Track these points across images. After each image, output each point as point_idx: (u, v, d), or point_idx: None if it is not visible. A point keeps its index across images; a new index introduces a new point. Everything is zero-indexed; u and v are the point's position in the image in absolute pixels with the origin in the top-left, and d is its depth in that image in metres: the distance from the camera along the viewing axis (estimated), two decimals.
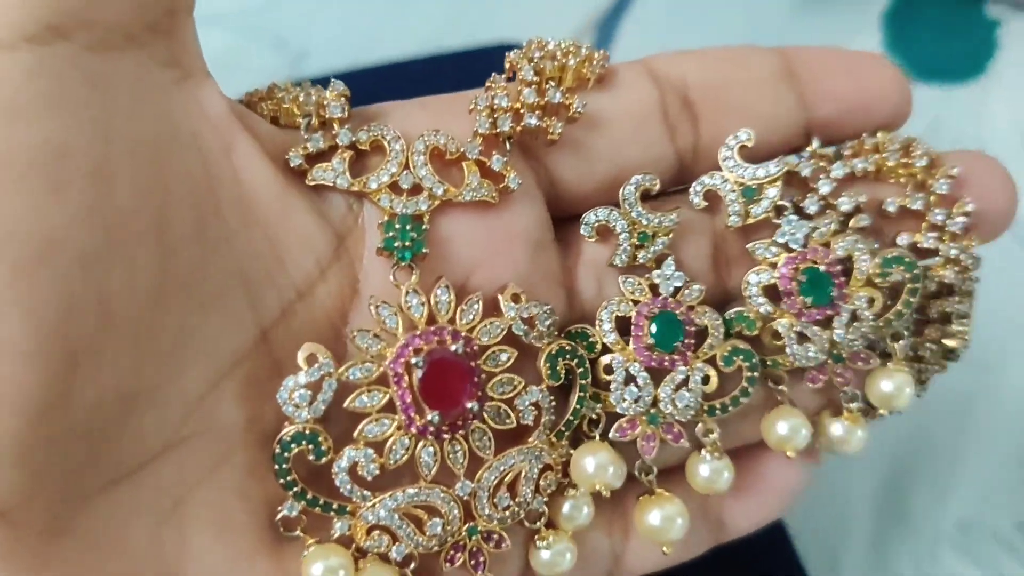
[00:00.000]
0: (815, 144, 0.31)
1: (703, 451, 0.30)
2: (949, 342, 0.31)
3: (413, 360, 0.26)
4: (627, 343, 0.29)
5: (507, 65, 0.29)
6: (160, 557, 0.24)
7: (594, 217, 0.30)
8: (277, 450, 0.26)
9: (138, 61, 0.23)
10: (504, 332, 0.27)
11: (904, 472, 0.44)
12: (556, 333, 0.29)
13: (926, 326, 0.32)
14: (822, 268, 0.30)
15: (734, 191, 0.30)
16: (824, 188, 0.30)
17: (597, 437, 0.30)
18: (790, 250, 0.30)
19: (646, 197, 0.30)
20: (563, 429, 0.29)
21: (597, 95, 0.30)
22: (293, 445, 0.26)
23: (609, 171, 0.30)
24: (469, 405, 0.26)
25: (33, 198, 0.21)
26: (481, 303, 0.27)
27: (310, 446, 0.26)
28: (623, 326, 0.30)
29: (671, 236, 0.30)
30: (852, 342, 0.30)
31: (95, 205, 0.21)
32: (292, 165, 0.27)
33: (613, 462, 0.29)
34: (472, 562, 0.28)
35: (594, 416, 0.30)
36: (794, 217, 0.30)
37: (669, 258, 0.30)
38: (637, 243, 0.30)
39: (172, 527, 0.24)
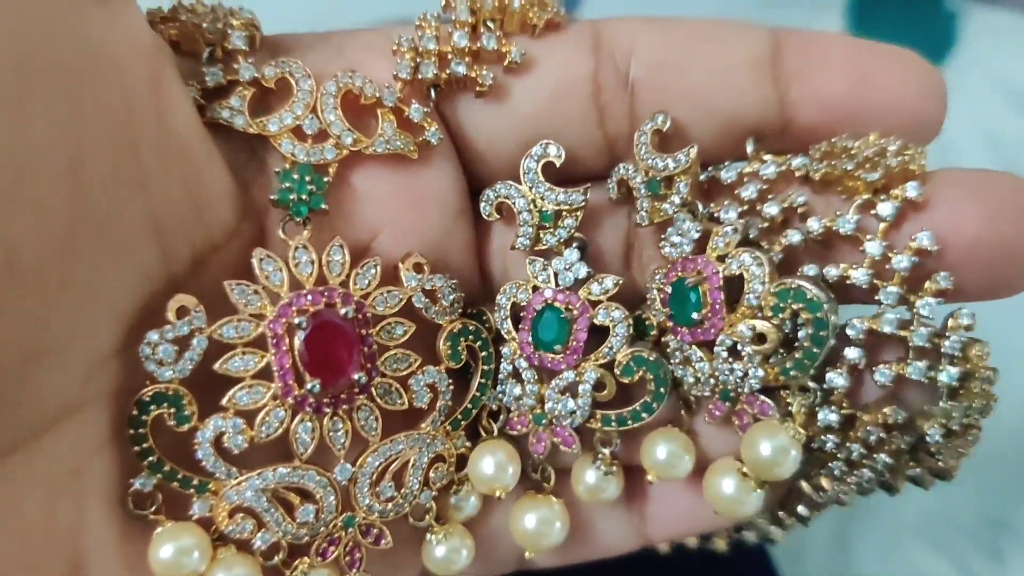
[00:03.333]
0: (749, 148, 0.25)
1: (598, 460, 0.27)
2: (941, 461, 0.24)
3: (296, 320, 0.23)
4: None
5: (442, 0, 0.26)
6: (54, 532, 0.22)
7: (493, 194, 0.26)
8: (134, 412, 0.22)
9: None
10: (402, 303, 0.25)
11: None
12: (461, 311, 0.26)
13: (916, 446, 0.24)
14: (687, 282, 0.25)
15: (643, 183, 0.26)
16: (747, 192, 0.25)
17: (495, 431, 0.27)
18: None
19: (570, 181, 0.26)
20: (460, 418, 0.26)
21: (521, 70, 0.26)
22: (152, 407, 0.22)
23: (519, 150, 0.26)
24: (356, 376, 0.24)
25: None
26: (379, 268, 0.25)
27: (172, 409, 0.23)
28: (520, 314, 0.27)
29: (579, 217, 0.26)
30: (740, 380, 0.25)
31: (6, 139, 0.19)
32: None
33: (512, 461, 0.26)
34: (347, 558, 0.25)
35: (495, 407, 0.27)
36: (684, 220, 0.25)
37: (574, 245, 0.26)
38: (539, 223, 0.26)
39: (68, 499, 0.22)
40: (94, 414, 0.22)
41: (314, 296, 0.23)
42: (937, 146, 0.50)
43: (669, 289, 0.25)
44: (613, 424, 0.26)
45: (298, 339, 0.23)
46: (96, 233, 0.21)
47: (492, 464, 0.26)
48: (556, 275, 0.26)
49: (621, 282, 0.26)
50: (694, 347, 0.25)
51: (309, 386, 0.23)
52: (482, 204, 0.26)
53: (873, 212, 0.23)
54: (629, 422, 0.26)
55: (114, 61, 0.21)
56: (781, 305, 0.24)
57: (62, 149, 0.20)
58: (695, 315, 0.25)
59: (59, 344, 0.20)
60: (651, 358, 0.26)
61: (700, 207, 0.25)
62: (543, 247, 0.26)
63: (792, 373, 0.24)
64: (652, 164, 0.25)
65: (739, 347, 0.24)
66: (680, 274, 0.25)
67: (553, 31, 0.26)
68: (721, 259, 0.25)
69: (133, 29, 0.22)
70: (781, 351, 0.24)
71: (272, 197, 0.24)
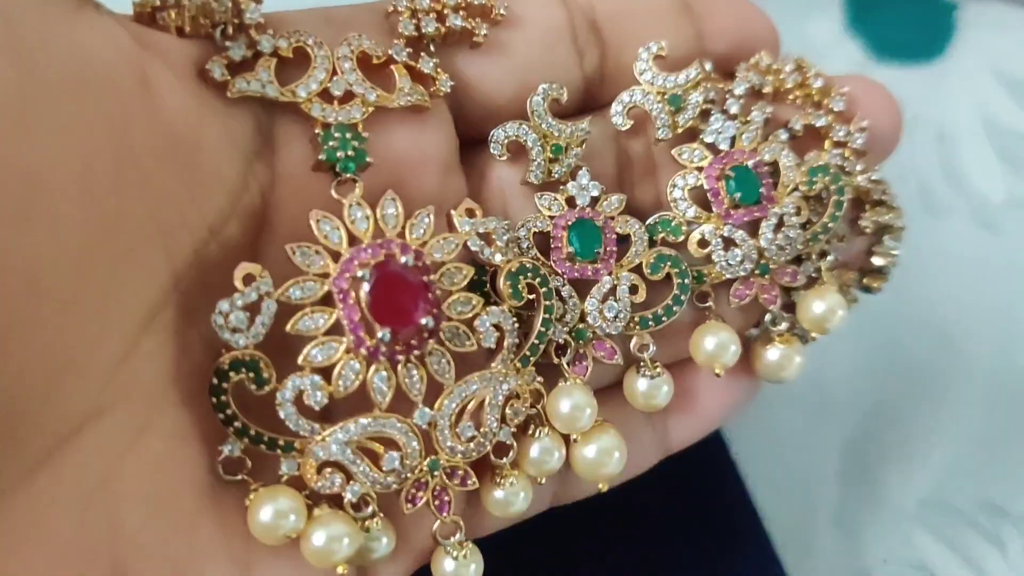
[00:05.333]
0: (708, 67, 0.30)
1: (640, 367, 0.29)
2: (877, 259, 0.31)
3: (359, 273, 0.24)
4: (547, 260, 0.28)
5: None
6: (89, 543, 0.21)
7: (503, 133, 0.28)
8: (214, 381, 0.23)
9: None
10: (458, 248, 0.26)
11: (870, 451, 0.44)
12: (517, 250, 0.27)
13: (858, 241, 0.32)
14: (750, 164, 0.29)
15: (659, 102, 0.29)
16: (733, 108, 0.30)
17: (565, 365, 0.28)
18: (717, 152, 0.29)
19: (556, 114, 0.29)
20: (528, 354, 0.27)
21: (506, 25, 0.28)
22: (232, 374, 0.23)
23: (517, 92, 0.28)
24: (423, 321, 0.24)
25: None
26: (432, 217, 0.25)
27: (250, 374, 0.23)
28: (542, 243, 0.28)
29: (583, 147, 0.29)
30: (779, 250, 0.29)
31: (16, 157, 0.19)
32: (215, 77, 0.24)
33: (590, 404, 0.27)
34: (436, 502, 0.25)
35: (561, 341, 0.28)
36: (721, 116, 0.30)
37: (583, 169, 0.29)
38: (551, 156, 0.28)
39: (101, 508, 0.22)
40: (114, 420, 0.22)
41: (373, 249, 0.24)
42: (937, 135, 0.50)
43: (732, 172, 0.29)
44: (651, 324, 0.29)
45: (363, 291, 0.24)
46: (106, 241, 0.21)
47: (568, 405, 0.27)
48: (571, 199, 0.28)
49: (625, 199, 0.29)
50: (739, 229, 0.29)
51: (380, 335, 0.23)
52: (492, 145, 0.28)
53: (829, 107, 0.31)
54: (664, 318, 0.29)
55: (105, 65, 0.21)
56: (813, 180, 0.29)
57: (70, 160, 0.20)
58: (761, 190, 0.29)
59: (78, 356, 0.20)
60: (672, 253, 0.29)
61: (715, 108, 0.30)
62: (552, 179, 0.28)
63: (820, 236, 0.30)
64: (665, 83, 0.29)
65: (784, 220, 0.29)
66: (735, 162, 0.29)
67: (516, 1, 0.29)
68: (753, 151, 0.29)
69: (114, 34, 0.22)
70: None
71: (320, 158, 0.25)
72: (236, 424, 0.23)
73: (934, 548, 0.41)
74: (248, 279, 0.23)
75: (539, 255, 0.28)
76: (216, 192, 0.23)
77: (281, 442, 0.24)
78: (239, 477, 0.24)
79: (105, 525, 0.22)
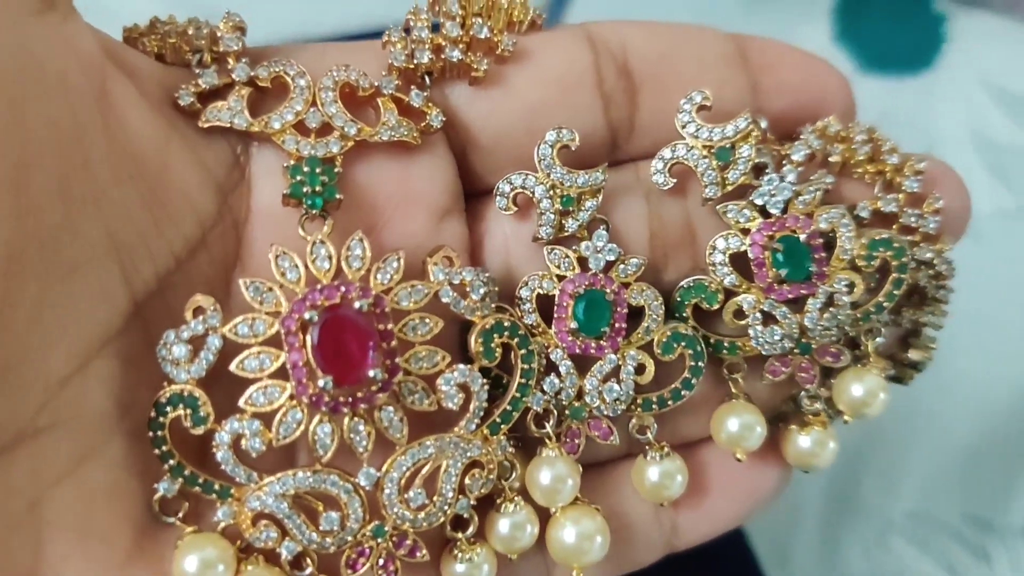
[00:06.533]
0: (764, 124, 0.27)
1: (649, 452, 0.26)
2: (914, 354, 0.28)
3: (307, 315, 0.22)
4: (549, 326, 0.26)
5: (429, 1, 0.26)
6: (8, 567, 0.21)
7: (508, 186, 0.26)
8: (152, 414, 0.22)
9: None
10: (428, 298, 0.24)
11: (855, 463, 0.44)
12: (493, 307, 0.25)
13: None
14: (802, 238, 0.26)
15: (705, 158, 0.26)
16: (789, 176, 0.26)
17: (550, 432, 0.26)
18: (767, 215, 0.26)
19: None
20: (498, 421, 0.25)
21: (521, 62, 0.26)
22: (169, 408, 0.22)
23: (527, 136, 0.26)
24: (372, 373, 0.22)
25: None
26: (402, 262, 0.23)
27: (188, 410, 0.22)
28: (546, 305, 0.26)
29: (600, 198, 0.26)
30: (825, 330, 0.26)
31: None
32: (182, 104, 0.23)
33: (572, 476, 0.25)
34: (380, 572, 0.24)
35: (539, 410, 0.25)
36: (776, 177, 0.26)
37: (602, 227, 0.26)
38: (561, 209, 0.26)
39: (25, 533, 0.21)
40: (52, 443, 0.21)
41: (329, 291, 0.23)
42: (926, 147, 0.50)
43: (780, 245, 0.26)
44: (654, 407, 0.26)
45: (311, 335, 0.22)
46: (44, 251, 0.20)
47: (549, 475, 0.25)
48: (583, 260, 0.26)
49: (645, 264, 0.26)
50: (782, 305, 0.26)
51: (321, 383, 0.22)
52: (497, 199, 0.26)
53: (902, 188, 0.27)
54: (670, 402, 0.26)
55: (58, 73, 0.21)
56: (873, 254, 0.26)
57: (2, 162, 0.19)
58: (811, 268, 0.26)
59: (7, 368, 0.20)
60: (688, 332, 0.26)
61: (770, 163, 0.27)
62: (565, 235, 0.26)
63: (872, 316, 0.27)
64: (712, 136, 0.26)
65: (835, 299, 0.26)
66: (786, 231, 0.26)
67: (536, 31, 0.27)
68: (808, 216, 0.26)
69: (76, 41, 0.21)
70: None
71: (284, 192, 0.24)
72: (172, 461, 0.22)
73: (919, 561, 0.41)
74: (198, 312, 0.22)
75: (540, 321, 0.26)
76: (184, 220, 0.23)
77: (217, 486, 0.23)
78: (172, 520, 0.23)
79: (28, 551, 0.21)
